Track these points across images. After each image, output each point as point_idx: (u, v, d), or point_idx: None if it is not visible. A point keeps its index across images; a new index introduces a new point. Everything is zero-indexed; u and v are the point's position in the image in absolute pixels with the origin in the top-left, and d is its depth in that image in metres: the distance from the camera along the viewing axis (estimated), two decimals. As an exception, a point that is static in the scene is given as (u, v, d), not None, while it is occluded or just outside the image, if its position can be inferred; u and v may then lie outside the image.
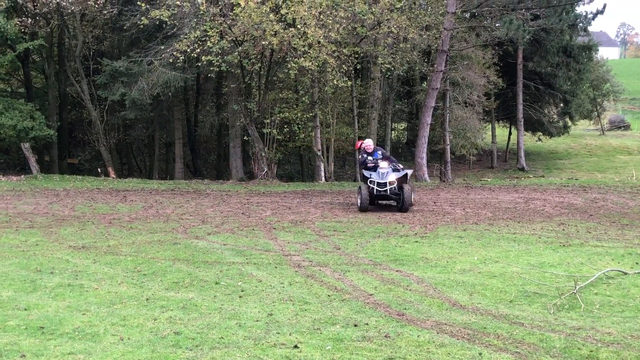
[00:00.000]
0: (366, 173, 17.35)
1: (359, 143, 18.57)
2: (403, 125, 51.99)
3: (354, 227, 14.25)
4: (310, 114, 30.04)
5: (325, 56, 23.50)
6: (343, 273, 9.48)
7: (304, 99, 30.32)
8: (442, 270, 9.66)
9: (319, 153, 30.36)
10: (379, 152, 17.72)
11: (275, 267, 9.91)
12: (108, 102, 30.91)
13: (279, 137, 29.63)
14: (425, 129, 29.02)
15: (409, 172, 18.11)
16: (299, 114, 30.06)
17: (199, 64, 25.77)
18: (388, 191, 16.95)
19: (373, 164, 17.41)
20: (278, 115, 29.35)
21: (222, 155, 39.36)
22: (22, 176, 27.87)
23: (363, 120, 35.49)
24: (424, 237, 12.86)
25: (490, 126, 44.34)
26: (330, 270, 9.67)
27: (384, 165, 17.18)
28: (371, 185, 17.03)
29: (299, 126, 30.61)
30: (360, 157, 18.00)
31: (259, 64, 27.15)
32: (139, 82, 27.18)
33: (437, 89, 28.90)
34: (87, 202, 19.14)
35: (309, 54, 23.35)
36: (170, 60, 25.31)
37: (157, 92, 27.49)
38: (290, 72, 24.62)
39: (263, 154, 27.46)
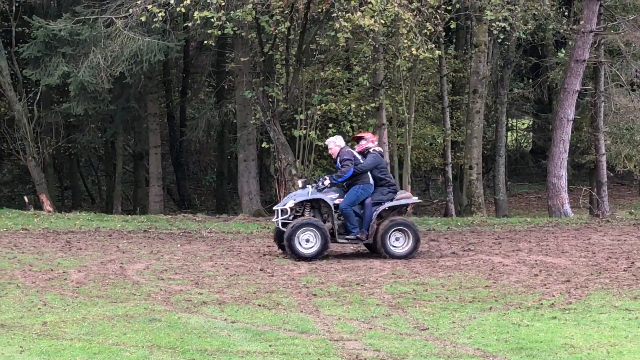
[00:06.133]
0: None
1: (371, 137, 19.82)
2: (526, 122, 51.58)
3: (448, 293, 14.13)
4: (372, 105, 30.03)
5: (397, 9, 23.51)
6: (432, 370, 9.41)
7: (360, 79, 30.35)
8: (599, 367, 9.53)
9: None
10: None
11: (319, 360, 9.87)
12: (41, 87, 31.37)
13: (320, 144, 29.68)
14: (564, 129, 28.76)
15: None
16: (353, 106, 30.07)
17: (189, 25, 26.00)
18: None
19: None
20: (318, 107, 29.41)
21: (225, 173, 39.58)
22: None
23: (459, 114, 35.41)
24: (566, 309, 12.70)
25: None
26: (410, 366, 9.60)
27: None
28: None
29: (353, 125, 30.61)
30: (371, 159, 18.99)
31: (287, 24, 27.29)
32: (91, 56, 27.52)
33: (584, 61, 28.66)
34: (7, 251, 19.34)
35: (369, 6, 23.39)
36: (142, 19, 25.55)
37: (120, 70, 27.79)
38: (339, 35, 24.64)
39: (293, 171, 27.50)
